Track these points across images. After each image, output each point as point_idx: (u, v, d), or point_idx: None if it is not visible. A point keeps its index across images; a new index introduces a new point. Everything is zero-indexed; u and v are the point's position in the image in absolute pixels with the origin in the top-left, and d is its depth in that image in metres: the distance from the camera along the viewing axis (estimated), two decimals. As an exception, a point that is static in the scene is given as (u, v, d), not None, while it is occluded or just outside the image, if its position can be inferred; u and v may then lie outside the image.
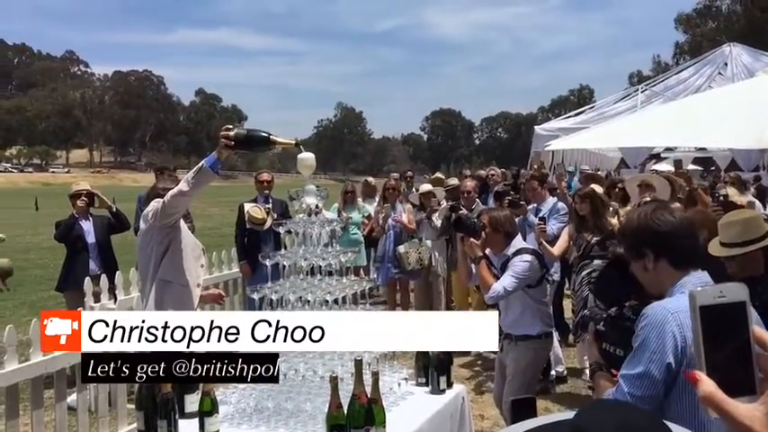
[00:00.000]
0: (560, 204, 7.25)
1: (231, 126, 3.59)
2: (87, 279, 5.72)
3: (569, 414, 1.08)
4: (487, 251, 4.79)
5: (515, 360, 4.72)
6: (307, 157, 3.39)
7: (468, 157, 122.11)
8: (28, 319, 8.39)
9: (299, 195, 3.37)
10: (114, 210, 7.34)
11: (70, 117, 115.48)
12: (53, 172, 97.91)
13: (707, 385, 0.82)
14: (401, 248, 8.28)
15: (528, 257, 4.63)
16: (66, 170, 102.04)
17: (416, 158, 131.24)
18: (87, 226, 7.17)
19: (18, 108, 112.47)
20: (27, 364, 4.22)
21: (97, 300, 5.62)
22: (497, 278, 4.64)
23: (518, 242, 4.82)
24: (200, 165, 3.61)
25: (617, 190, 7.49)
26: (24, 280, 13.61)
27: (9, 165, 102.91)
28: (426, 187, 8.92)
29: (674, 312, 2.25)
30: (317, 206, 3.37)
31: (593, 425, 0.97)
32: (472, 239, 4.68)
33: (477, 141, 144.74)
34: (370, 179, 11.40)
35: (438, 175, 10.31)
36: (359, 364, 2.83)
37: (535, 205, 7.32)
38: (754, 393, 0.83)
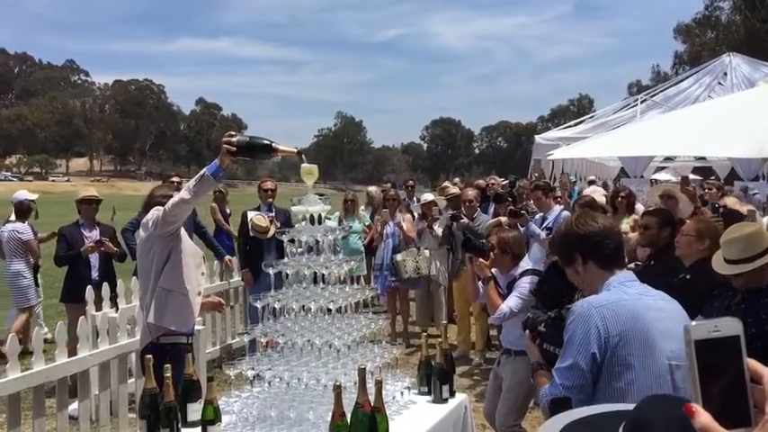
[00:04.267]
0: (565, 213, 7.22)
1: (234, 133, 3.60)
2: (89, 288, 5.70)
3: (616, 406, 1.08)
4: (494, 270, 4.81)
5: (512, 373, 4.73)
6: (310, 166, 3.40)
7: (467, 167, 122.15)
8: (29, 328, 8.33)
9: (301, 203, 3.37)
10: (119, 252, 7.13)
11: (70, 126, 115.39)
12: (53, 180, 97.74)
13: (703, 417, 0.84)
14: (398, 256, 8.28)
15: (534, 279, 4.64)
16: (66, 179, 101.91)
17: (416, 168, 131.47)
18: (95, 234, 7.05)
19: (18, 117, 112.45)
20: (29, 372, 4.21)
21: (99, 308, 5.61)
22: (503, 297, 4.66)
23: (525, 263, 4.84)
24: (201, 173, 3.62)
25: (620, 199, 7.48)
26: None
27: (9, 173, 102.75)
28: (428, 197, 8.92)
29: (597, 307, 2.41)
30: (319, 215, 3.37)
31: (657, 416, 1.00)
32: (481, 260, 4.70)
33: (476, 151, 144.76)
34: (372, 188, 11.40)
35: (446, 183, 10.32)
36: (362, 372, 2.82)
37: (542, 214, 7.31)
38: (749, 425, 0.85)
